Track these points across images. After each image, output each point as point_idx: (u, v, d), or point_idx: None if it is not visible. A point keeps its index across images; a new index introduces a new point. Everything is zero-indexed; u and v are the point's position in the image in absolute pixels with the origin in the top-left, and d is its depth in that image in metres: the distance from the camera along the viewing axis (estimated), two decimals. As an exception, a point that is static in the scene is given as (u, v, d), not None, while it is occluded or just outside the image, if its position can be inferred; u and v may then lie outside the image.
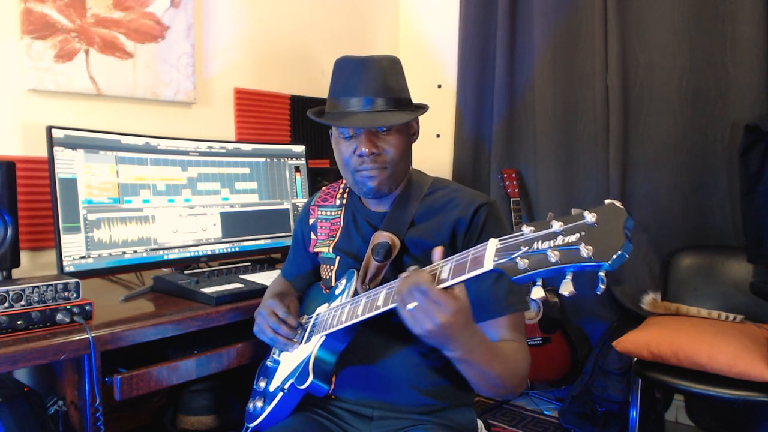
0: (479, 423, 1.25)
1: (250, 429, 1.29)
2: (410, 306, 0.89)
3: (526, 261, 0.74)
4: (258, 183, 1.95)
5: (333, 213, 1.33)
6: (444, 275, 0.89)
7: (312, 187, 2.11)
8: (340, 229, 1.30)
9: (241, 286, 1.58)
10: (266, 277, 1.67)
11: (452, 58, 2.92)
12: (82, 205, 1.51)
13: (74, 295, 1.29)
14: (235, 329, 1.53)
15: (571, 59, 2.53)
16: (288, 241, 1.98)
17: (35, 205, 1.73)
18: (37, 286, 1.24)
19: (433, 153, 2.99)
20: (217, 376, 1.66)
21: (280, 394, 1.19)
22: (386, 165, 1.15)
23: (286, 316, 1.21)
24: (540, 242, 0.73)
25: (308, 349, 1.15)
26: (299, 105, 2.51)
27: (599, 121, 2.45)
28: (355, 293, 1.14)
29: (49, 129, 1.48)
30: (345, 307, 1.10)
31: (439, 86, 2.99)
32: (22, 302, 1.22)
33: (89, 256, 1.51)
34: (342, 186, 1.37)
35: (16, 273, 1.45)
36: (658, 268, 2.38)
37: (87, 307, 1.30)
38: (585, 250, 0.68)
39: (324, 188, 1.41)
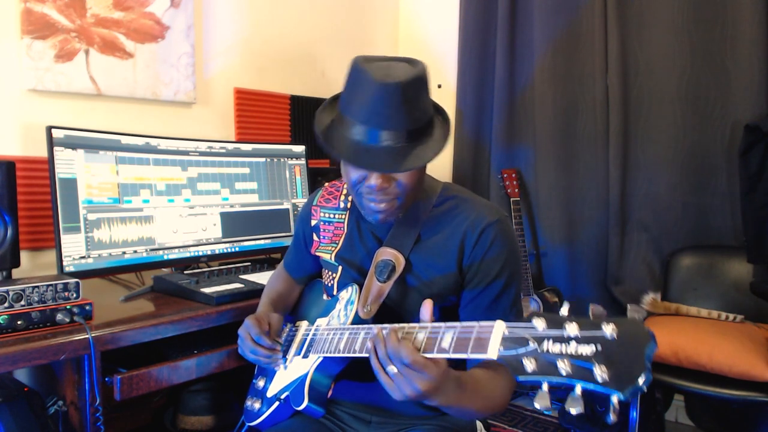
0: (478, 424, 1.25)
1: (246, 426, 1.29)
2: (391, 370, 0.86)
3: (534, 363, 0.69)
4: (258, 183, 1.95)
5: (337, 216, 1.27)
6: (445, 344, 0.84)
7: (312, 188, 2.11)
8: (343, 236, 1.24)
9: (241, 286, 1.58)
10: (266, 278, 1.67)
11: (452, 58, 2.92)
12: (82, 205, 1.51)
13: (74, 295, 1.29)
14: (236, 329, 1.52)
15: (571, 59, 2.53)
16: (288, 241, 1.98)
17: (35, 205, 1.73)
18: (37, 286, 1.24)
19: (433, 153, 2.99)
20: (217, 376, 1.65)
21: (277, 403, 1.19)
22: (397, 197, 1.06)
23: (259, 339, 1.17)
24: (551, 343, 0.69)
25: (305, 366, 1.14)
26: (299, 105, 2.51)
27: (599, 120, 2.45)
28: (356, 315, 1.11)
29: (49, 129, 1.48)
30: (344, 335, 1.07)
31: (439, 86, 2.99)
32: (22, 302, 1.22)
33: (89, 256, 1.51)
34: (346, 186, 1.32)
35: (16, 273, 1.45)
36: (658, 268, 2.38)
37: (87, 307, 1.30)
38: (599, 372, 0.63)
39: (327, 185, 1.34)
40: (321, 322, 1.21)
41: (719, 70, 2.21)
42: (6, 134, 1.72)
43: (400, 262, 1.11)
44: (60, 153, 1.48)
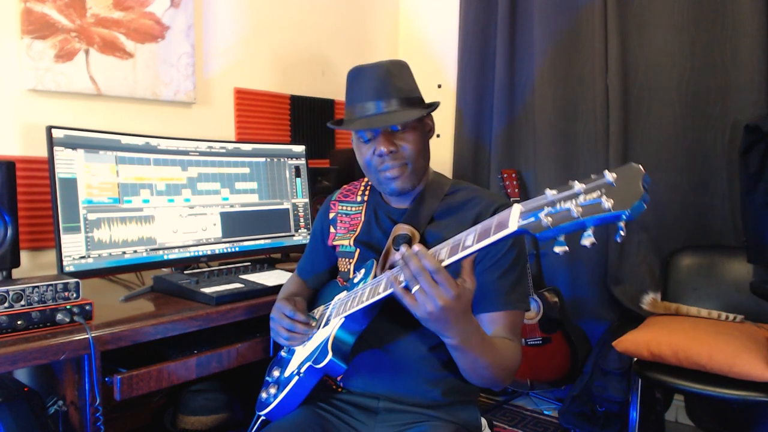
0: (483, 421, 1.25)
1: (261, 418, 1.29)
2: (415, 289, 0.93)
3: (550, 218, 0.77)
4: (258, 183, 1.95)
5: (354, 208, 1.37)
6: (469, 242, 0.91)
7: (312, 187, 2.11)
8: (361, 223, 1.33)
9: (241, 286, 1.58)
10: (266, 277, 1.68)
11: (452, 58, 2.92)
12: (82, 205, 1.51)
13: (74, 295, 1.29)
14: (235, 329, 1.53)
15: (571, 59, 2.53)
16: (288, 242, 1.99)
17: (35, 205, 1.73)
18: (37, 286, 1.24)
19: (433, 153, 2.90)
20: (217, 376, 1.65)
21: (296, 378, 1.19)
22: (405, 161, 1.20)
23: (293, 315, 1.24)
24: (562, 202, 0.77)
25: (326, 332, 1.17)
26: (299, 105, 2.51)
27: (599, 121, 2.45)
28: (375, 277, 1.16)
29: (49, 129, 1.48)
30: (365, 289, 1.12)
31: (439, 86, 2.99)
32: (22, 302, 1.22)
33: (89, 256, 1.51)
34: (363, 184, 1.41)
35: (16, 273, 1.45)
36: (658, 268, 2.38)
37: (87, 307, 1.30)
38: (606, 203, 0.72)
39: (345, 186, 1.45)
40: (340, 296, 1.24)
41: (719, 70, 2.21)
42: (6, 134, 1.72)
43: (416, 235, 1.20)
44: (60, 153, 1.48)
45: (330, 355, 1.11)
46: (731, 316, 2.04)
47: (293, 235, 2.01)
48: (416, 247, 0.94)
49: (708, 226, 2.29)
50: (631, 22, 2.37)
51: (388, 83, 1.18)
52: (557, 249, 0.78)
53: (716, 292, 2.16)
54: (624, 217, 0.71)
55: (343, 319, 1.14)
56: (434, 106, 1.23)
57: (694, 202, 2.31)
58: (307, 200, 2.07)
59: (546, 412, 2.52)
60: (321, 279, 1.43)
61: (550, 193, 0.79)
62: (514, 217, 0.83)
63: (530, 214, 0.80)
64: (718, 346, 1.76)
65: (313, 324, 1.25)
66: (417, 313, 0.95)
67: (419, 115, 1.18)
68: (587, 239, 0.75)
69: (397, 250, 1.17)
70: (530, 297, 2.45)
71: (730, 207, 2.24)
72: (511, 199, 2.60)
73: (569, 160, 2.57)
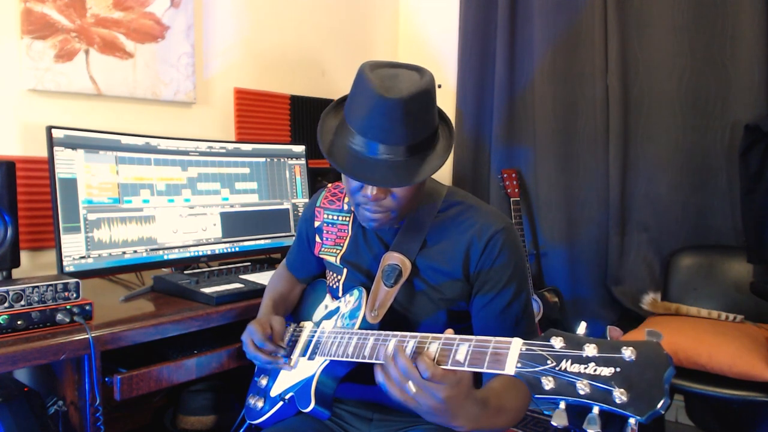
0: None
1: (246, 424, 1.29)
2: (410, 389, 0.85)
3: (552, 382, 0.69)
4: (258, 183, 1.95)
5: (340, 218, 1.27)
6: (459, 357, 0.83)
7: (312, 187, 2.11)
8: (348, 238, 1.24)
9: (241, 286, 1.58)
10: (266, 277, 1.67)
11: (452, 58, 2.92)
12: (82, 205, 1.51)
13: (74, 295, 1.29)
14: (236, 329, 1.52)
15: (571, 59, 2.53)
16: (288, 242, 1.99)
17: (35, 205, 1.73)
18: (37, 286, 1.24)
19: (433, 153, 2.98)
20: (217, 376, 1.65)
21: (281, 403, 1.19)
22: (392, 210, 1.07)
23: (262, 345, 1.18)
24: (569, 363, 0.69)
25: (311, 368, 1.14)
26: (299, 105, 2.51)
27: (599, 121, 2.45)
28: (364, 320, 1.12)
29: (49, 129, 1.48)
30: (352, 339, 1.06)
31: (439, 86, 2.98)
32: (22, 302, 1.22)
33: (89, 256, 1.51)
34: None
35: (16, 273, 1.45)
36: (658, 268, 2.38)
37: (87, 307, 1.30)
38: (618, 395, 0.63)
39: (330, 186, 1.34)
40: (327, 324, 1.21)
41: (719, 70, 2.22)
42: (6, 134, 1.72)
43: (407, 266, 1.12)
44: (60, 153, 1.48)
45: (313, 404, 1.10)
46: (731, 316, 2.04)
47: (293, 236, 2.01)
48: (393, 349, 0.87)
49: (708, 226, 2.29)
50: (631, 22, 2.37)
51: (400, 127, 0.97)
52: (555, 423, 0.67)
53: (716, 292, 2.16)
54: (635, 420, 0.62)
55: (327, 362, 1.11)
56: (445, 155, 1.04)
57: (694, 202, 2.31)
58: (307, 200, 2.07)
59: (546, 412, 2.52)
60: (313, 276, 1.39)
61: (556, 342, 0.71)
62: (511, 360, 0.75)
63: (530, 364, 0.72)
64: (718, 346, 1.77)
65: (282, 353, 1.20)
66: (418, 411, 0.86)
67: (429, 176, 1.01)
68: (591, 426, 0.64)
69: (387, 285, 1.11)
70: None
71: (730, 207, 2.24)
72: (511, 200, 2.60)
73: (569, 159, 2.57)
